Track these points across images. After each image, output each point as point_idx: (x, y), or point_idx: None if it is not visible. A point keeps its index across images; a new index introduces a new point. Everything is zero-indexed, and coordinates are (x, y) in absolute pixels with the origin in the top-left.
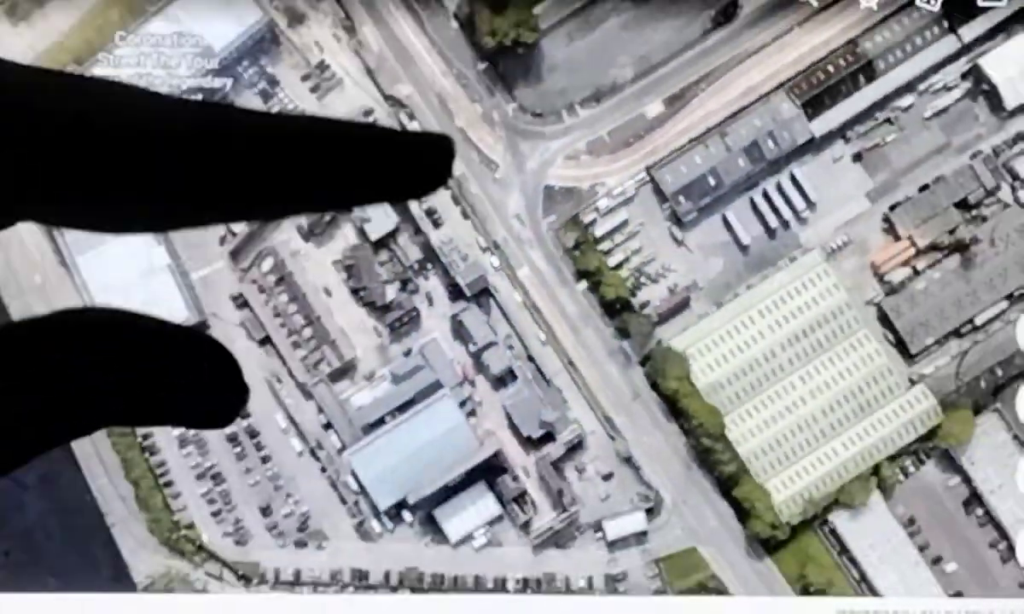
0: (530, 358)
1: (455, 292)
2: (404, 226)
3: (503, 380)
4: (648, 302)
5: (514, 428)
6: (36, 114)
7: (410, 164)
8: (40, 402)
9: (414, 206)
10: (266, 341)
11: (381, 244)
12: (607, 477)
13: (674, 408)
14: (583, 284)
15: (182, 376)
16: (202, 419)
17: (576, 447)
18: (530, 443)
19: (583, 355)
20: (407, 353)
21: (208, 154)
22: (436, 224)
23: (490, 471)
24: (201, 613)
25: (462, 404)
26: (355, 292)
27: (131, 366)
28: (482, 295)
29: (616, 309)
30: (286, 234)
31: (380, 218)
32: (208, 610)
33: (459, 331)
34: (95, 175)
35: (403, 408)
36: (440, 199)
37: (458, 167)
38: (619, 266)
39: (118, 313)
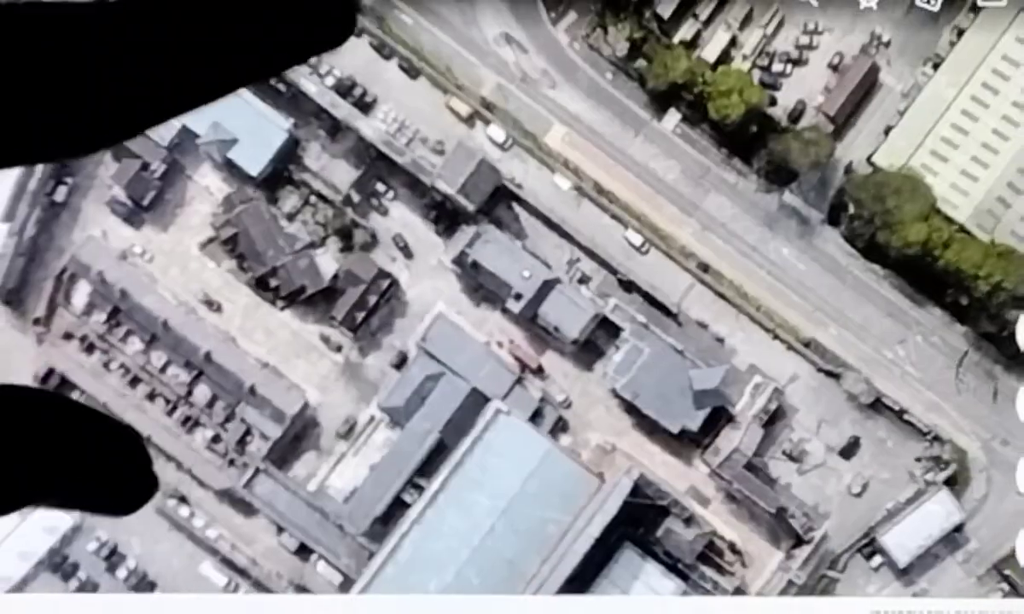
0: (629, 286)
1: (445, 216)
2: (304, 134)
3: (595, 347)
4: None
5: (649, 426)
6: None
7: (317, 14)
8: None
9: (313, 91)
10: None
11: (273, 182)
12: (850, 448)
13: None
14: (672, 116)
15: (89, 459)
16: (107, 505)
17: (776, 417)
18: (685, 442)
19: (737, 253)
20: (399, 363)
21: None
22: (364, 106)
23: (636, 519)
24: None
25: (535, 417)
26: (261, 283)
27: (41, 447)
28: (496, 202)
29: (750, 137)
30: (93, 224)
31: (252, 146)
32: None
33: (477, 283)
34: (32, 90)
35: (428, 468)
36: (364, 65)
37: None
38: (723, 58)
39: (27, 390)
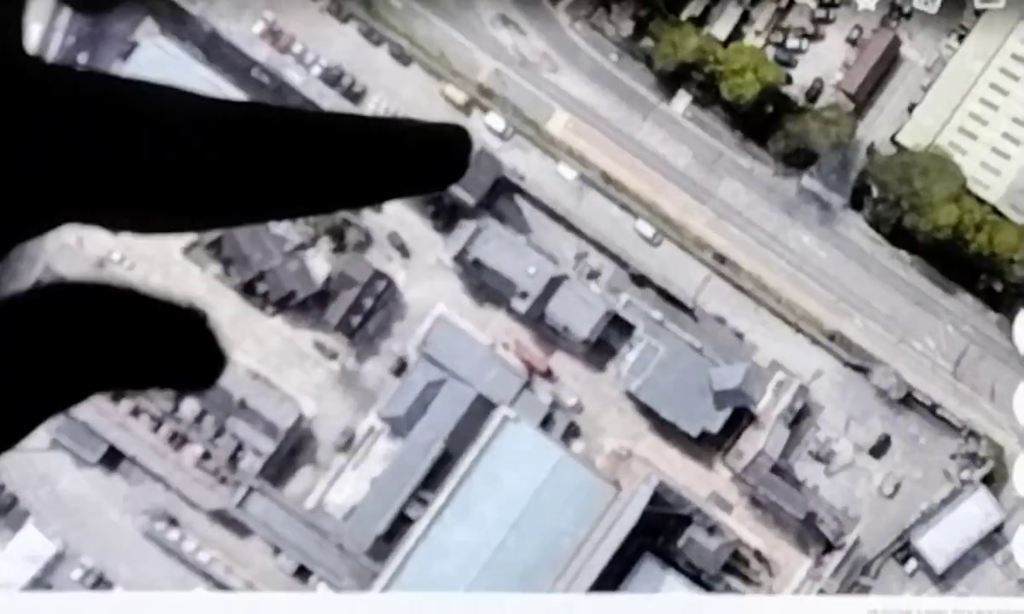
0: (642, 281)
1: (443, 212)
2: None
3: (607, 346)
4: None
5: (666, 429)
6: (85, 111)
7: (433, 157)
8: (28, 377)
9: (299, 81)
10: (110, 458)
11: None
12: (880, 446)
13: None
14: (681, 98)
15: (158, 340)
16: (183, 381)
17: (801, 416)
18: (706, 446)
19: (755, 242)
20: (398, 370)
21: (250, 150)
22: (353, 97)
23: (656, 528)
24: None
25: (545, 423)
26: (248, 289)
27: (109, 333)
28: (496, 195)
29: (765, 118)
30: (68, 230)
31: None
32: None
33: (479, 282)
34: (143, 173)
35: (432, 480)
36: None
37: None
38: (735, 35)
39: (87, 284)
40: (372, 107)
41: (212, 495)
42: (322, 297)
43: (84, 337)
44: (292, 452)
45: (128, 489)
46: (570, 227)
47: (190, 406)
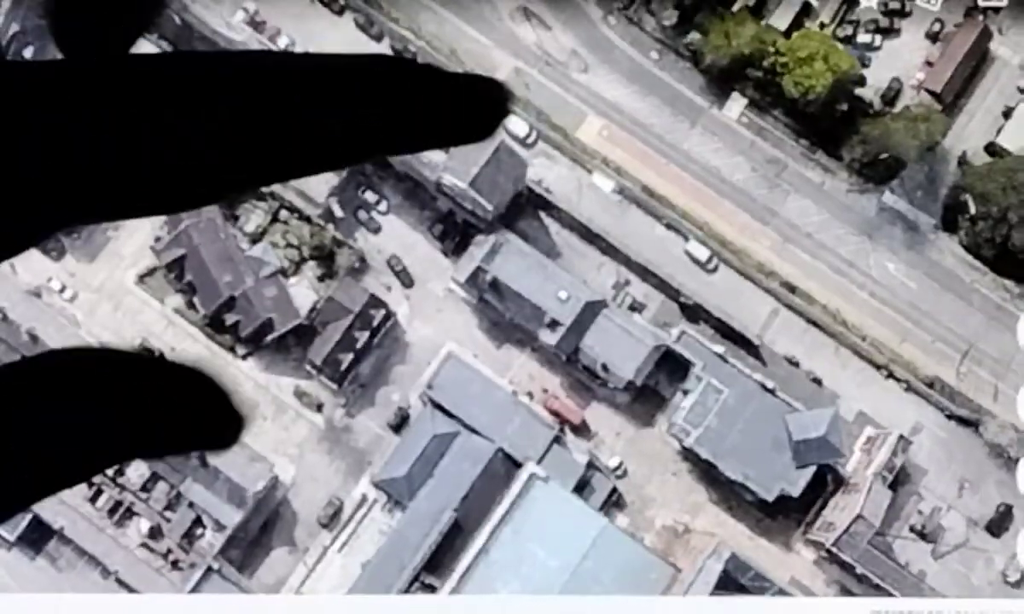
0: (695, 315)
1: (453, 230)
2: None
3: (655, 394)
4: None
5: (731, 496)
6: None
7: (466, 106)
8: (49, 446)
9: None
10: (34, 535)
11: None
12: (1000, 520)
13: None
14: (736, 101)
15: (176, 405)
16: (203, 442)
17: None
18: (781, 519)
19: (830, 270)
20: (398, 424)
21: (269, 99)
22: None
23: None
24: None
25: (581, 488)
26: (215, 323)
27: (127, 401)
28: (518, 211)
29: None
30: None
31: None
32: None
33: (498, 314)
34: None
35: (440, 560)
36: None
37: None
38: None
39: (99, 351)
40: None
41: (161, 581)
42: (306, 333)
43: (103, 403)
44: (264, 528)
45: (55, 576)
46: (608, 249)
47: (137, 468)
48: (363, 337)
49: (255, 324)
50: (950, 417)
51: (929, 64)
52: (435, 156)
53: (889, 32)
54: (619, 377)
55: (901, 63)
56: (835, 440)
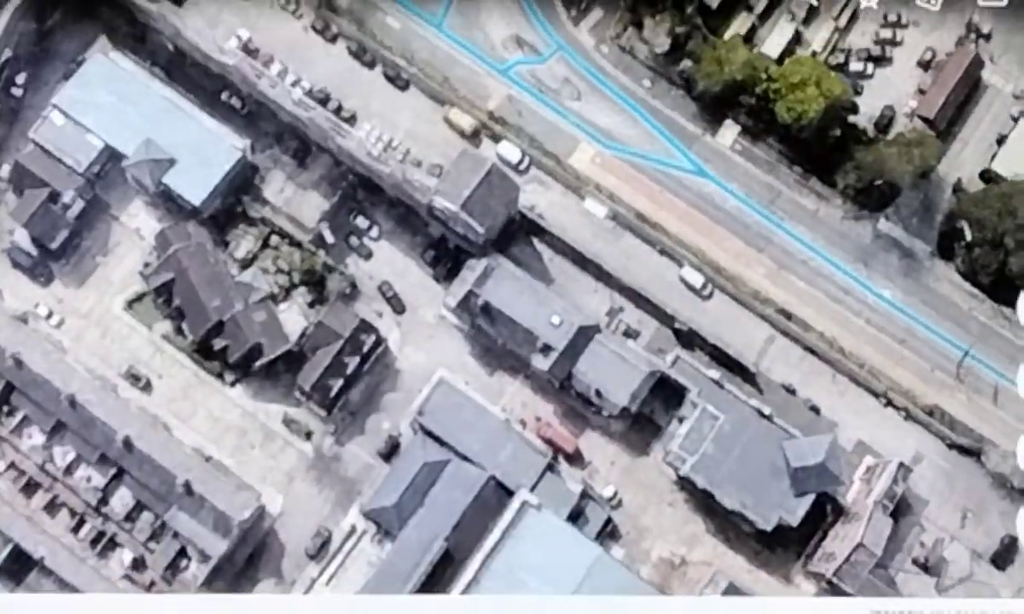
0: (690, 342)
1: (445, 256)
2: (264, 161)
3: (650, 422)
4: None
5: (728, 526)
6: None
7: None
8: None
9: (277, 104)
10: (14, 565)
11: (223, 220)
12: (1004, 552)
13: None
14: (729, 128)
15: None
16: None
17: (901, 511)
18: (779, 549)
19: (826, 297)
20: (388, 452)
21: None
22: (341, 123)
23: None
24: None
25: (575, 517)
26: (203, 349)
27: None
28: (511, 237)
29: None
30: None
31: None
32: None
33: (490, 340)
34: None
35: (433, 587)
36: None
37: None
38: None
39: None
40: (364, 133)
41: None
42: (295, 359)
43: None
44: (251, 558)
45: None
46: (601, 275)
47: (122, 497)
48: (353, 363)
49: (244, 349)
50: (951, 446)
51: (922, 92)
52: (427, 179)
53: (881, 60)
54: (613, 403)
55: (894, 91)
56: (834, 467)
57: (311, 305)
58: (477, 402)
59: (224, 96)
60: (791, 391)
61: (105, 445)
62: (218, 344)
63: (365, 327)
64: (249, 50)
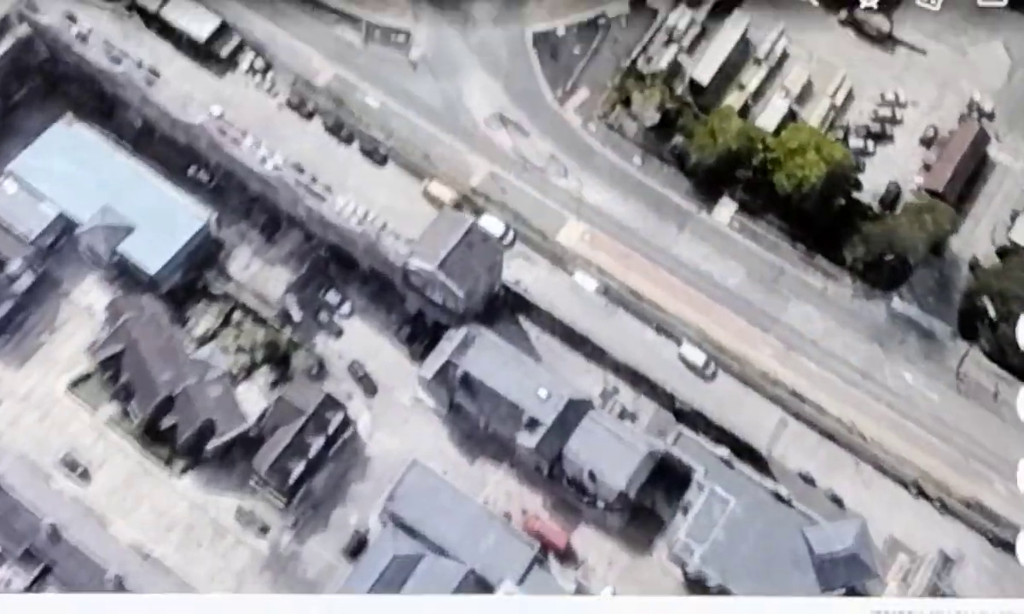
0: (694, 424)
1: (421, 332)
2: (231, 235)
3: (651, 514)
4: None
5: None
6: None
7: None
8: None
9: (247, 176)
10: None
11: (183, 295)
12: None
13: None
14: (726, 205)
15: None
16: None
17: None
18: None
19: (841, 380)
20: (355, 549)
21: None
22: (315, 196)
23: None
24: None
25: None
26: (152, 431)
27: None
28: (494, 311)
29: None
30: None
31: (153, 236)
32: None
33: (471, 422)
34: None
35: None
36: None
37: None
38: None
39: None
40: (340, 206)
41: None
42: (253, 446)
43: None
44: None
45: None
46: (593, 353)
47: (23, 581)
48: (317, 444)
49: (194, 427)
50: (994, 542)
51: (927, 167)
52: (402, 247)
53: (881, 137)
54: (609, 487)
55: (896, 169)
56: (865, 557)
57: (274, 385)
58: (454, 487)
59: (192, 170)
60: (809, 480)
61: (30, 534)
62: (167, 422)
63: (331, 404)
64: (221, 125)
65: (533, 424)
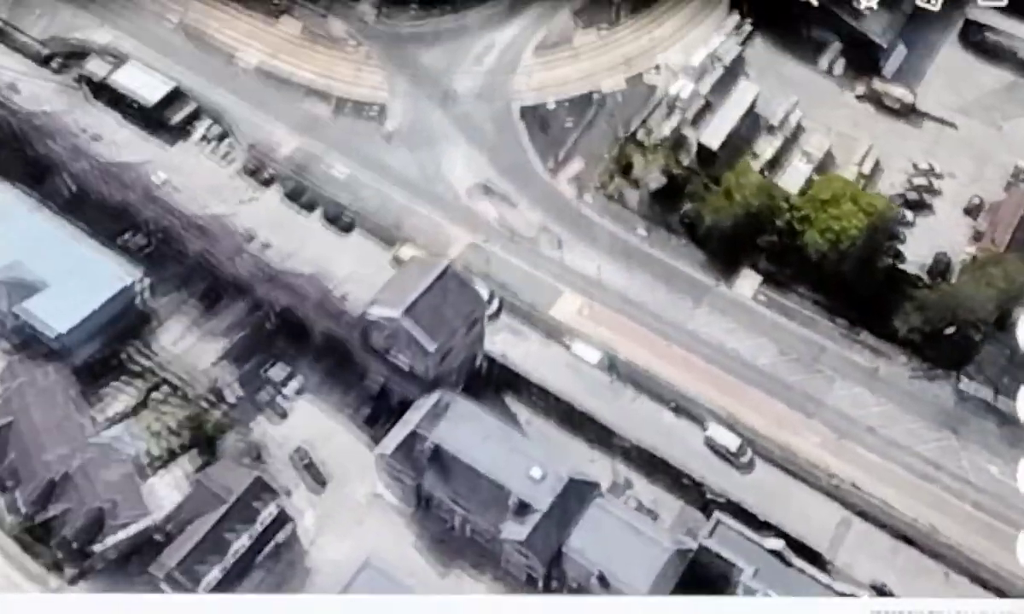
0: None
1: (384, 411)
2: (165, 306)
3: None
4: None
5: None
6: None
7: None
8: None
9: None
10: None
11: (97, 368)
12: None
13: None
14: (748, 277)
15: None
16: None
17: None
18: None
19: (907, 472)
20: None
21: None
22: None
23: None
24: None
25: None
26: (32, 529)
27: None
28: (477, 387)
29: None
30: None
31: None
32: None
33: (440, 518)
34: None
35: None
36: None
37: None
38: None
39: None
40: (295, 275)
41: None
42: (164, 548)
43: None
44: None
45: None
46: (599, 438)
47: None
48: (241, 541)
49: (82, 519)
50: None
51: (978, 237)
52: (362, 290)
53: (920, 207)
54: (626, 591)
55: (941, 238)
56: None
57: (198, 471)
58: (418, 598)
59: (126, 236)
60: (886, 593)
61: None
62: (53, 510)
63: (263, 489)
64: (166, 190)
65: (523, 510)
